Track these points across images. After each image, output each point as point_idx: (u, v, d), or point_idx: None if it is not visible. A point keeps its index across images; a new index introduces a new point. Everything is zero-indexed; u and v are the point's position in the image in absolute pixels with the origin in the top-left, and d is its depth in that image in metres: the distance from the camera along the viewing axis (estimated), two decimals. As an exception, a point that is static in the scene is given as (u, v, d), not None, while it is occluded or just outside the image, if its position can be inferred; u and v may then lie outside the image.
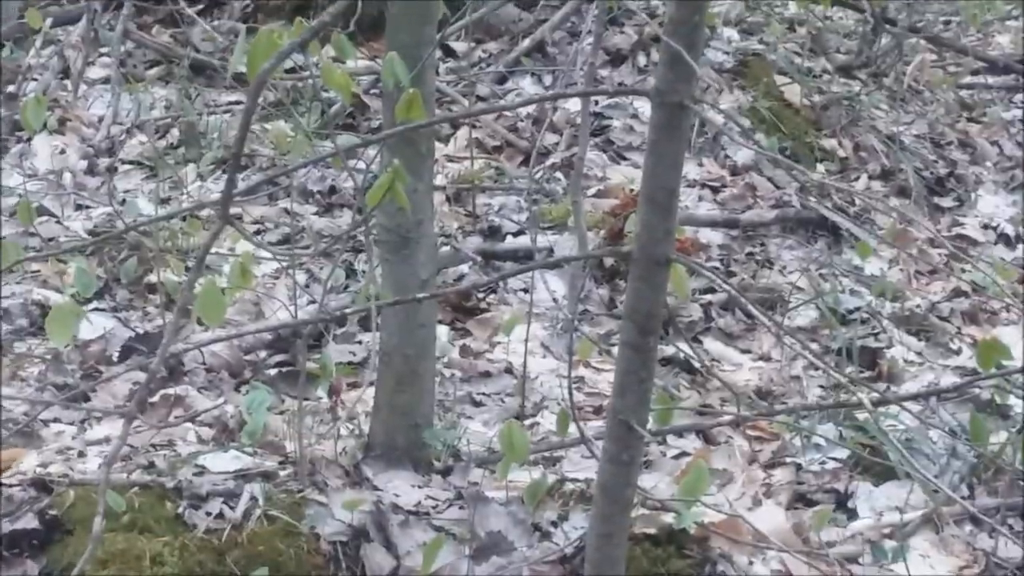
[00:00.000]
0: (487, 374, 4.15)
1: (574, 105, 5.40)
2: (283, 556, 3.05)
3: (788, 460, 3.76)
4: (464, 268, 4.70)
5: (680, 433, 3.81)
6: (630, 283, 2.31)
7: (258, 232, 4.86)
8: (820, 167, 5.59)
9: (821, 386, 4.26)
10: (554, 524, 3.30)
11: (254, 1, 6.45)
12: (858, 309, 4.64)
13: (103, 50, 6.16)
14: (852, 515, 3.54)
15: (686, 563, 3.24)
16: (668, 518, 3.32)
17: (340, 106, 5.42)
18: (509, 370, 4.15)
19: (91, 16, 6.19)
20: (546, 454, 3.68)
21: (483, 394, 4.03)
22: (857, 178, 5.68)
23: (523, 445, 3.09)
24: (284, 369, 4.10)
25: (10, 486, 3.34)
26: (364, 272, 4.48)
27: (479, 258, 4.67)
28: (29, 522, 3.17)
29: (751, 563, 3.27)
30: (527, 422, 3.85)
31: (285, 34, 2.71)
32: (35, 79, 6.09)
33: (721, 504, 3.42)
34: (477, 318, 4.48)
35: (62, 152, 5.53)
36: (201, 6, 6.55)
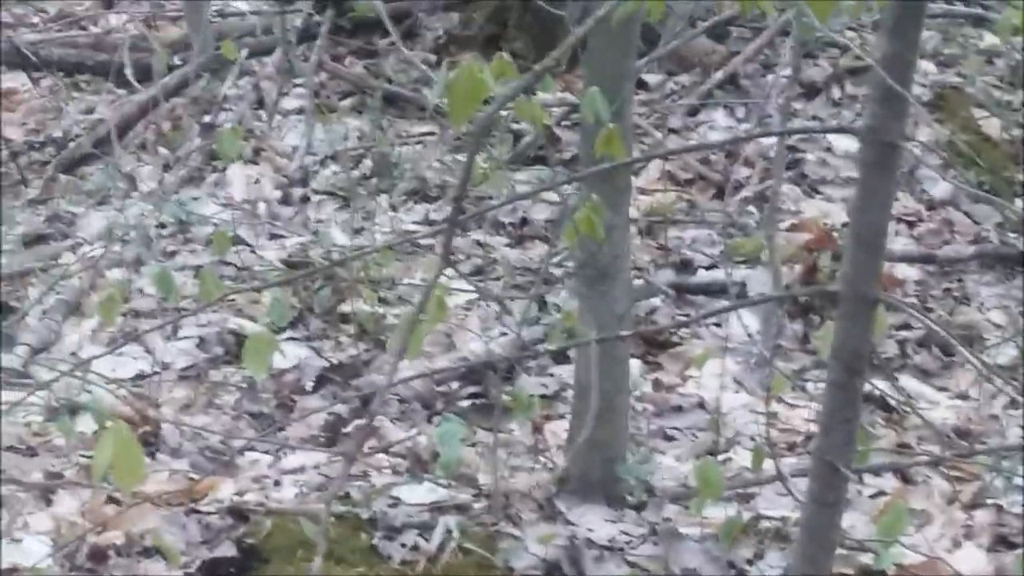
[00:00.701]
0: (679, 408, 4.12)
1: (768, 138, 5.37)
2: (477, 588, 3.07)
3: (989, 502, 3.69)
4: (656, 301, 4.68)
5: (877, 472, 3.76)
6: (837, 322, 2.29)
7: (454, 262, 4.89)
8: (1019, 202, 5.51)
9: (1021, 426, 4.19)
10: (749, 562, 3.28)
11: (447, 32, 6.51)
12: (1060, 347, 4.57)
13: (297, 81, 6.23)
14: (1055, 559, 3.47)
15: (885, 604, 3.21)
16: (866, 558, 3.29)
17: (532, 138, 5.45)
18: (701, 404, 4.12)
19: (286, 48, 6.28)
20: (740, 491, 3.65)
21: (675, 428, 4.01)
22: (1057, 213, 5.59)
23: (718, 481, 3.08)
24: (476, 401, 4.12)
25: (208, 514, 3.41)
26: (556, 305, 4.49)
27: (671, 292, 4.65)
28: (227, 550, 3.22)
29: (951, 606, 3.23)
30: (720, 457, 3.82)
31: (486, 69, 2.73)
32: (230, 109, 6.20)
33: (920, 545, 3.38)
34: (669, 352, 4.46)
35: (257, 182, 5.59)
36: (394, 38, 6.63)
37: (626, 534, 3.32)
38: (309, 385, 4.18)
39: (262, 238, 5.15)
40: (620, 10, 2.67)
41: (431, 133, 5.81)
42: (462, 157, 5.50)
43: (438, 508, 3.30)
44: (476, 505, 3.35)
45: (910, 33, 2.18)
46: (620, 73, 3.26)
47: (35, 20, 8.68)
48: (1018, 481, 3.66)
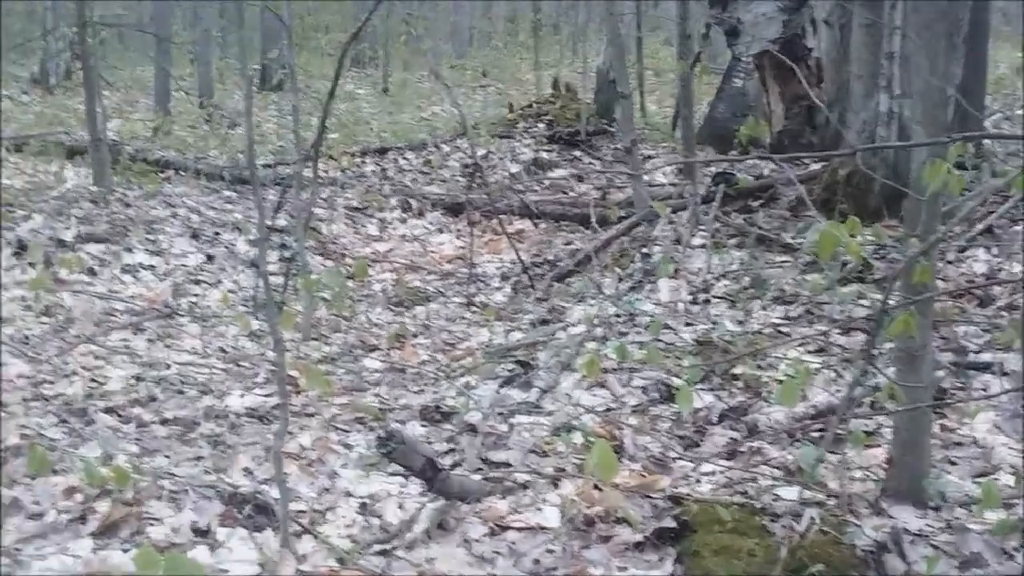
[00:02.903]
0: (959, 444, 3.91)
1: (1016, 266, 5.08)
2: (832, 558, 2.96)
3: None
4: (941, 373, 4.47)
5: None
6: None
7: (801, 343, 4.80)
8: None
9: None
10: (1016, 550, 3.07)
11: (796, 198, 6.42)
12: None
13: (701, 227, 6.25)
14: None
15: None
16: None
17: (853, 264, 5.31)
18: (975, 442, 3.89)
19: (695, 206, 6.31)
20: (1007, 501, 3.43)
21: (957, 457, 3.80)
22: None
23: (996, 496, 2.92)
24: (822, 433, 4.00)
25: (655, 498, 3.40)
26: (876, 374, 4.34)
27: (952, 367, 4.43)
28: (668, 522, 3.20)
29: None
30: (991, 477, 3.61)
31: (843, 228, 2.68)
32: (659, 245, 6.25)
33: None
34: (952, 407, 4.24)
35: (676, 290, 5.63)
36: (762, 200, 6.59)
37: (930, 527, 3.16)
38: (714, 419, 4.15)
39: (680, 325, 5.16)
40: (933, 183, 2.59)
41: (786, 261, 5.72)
42: (809, 277, 5.41)
43: (804, 503, 3.21)
44: (829, 502, 3.25)
45: None
46: (930, 224, 3.14)
47: (536, 188, 8.96)
48: None
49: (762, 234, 6.05)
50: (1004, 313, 4.98)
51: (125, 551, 3.15)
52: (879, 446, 3.78)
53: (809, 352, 4.69)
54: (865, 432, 3.95)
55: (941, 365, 4.37)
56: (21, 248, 6.33)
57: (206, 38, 15.69)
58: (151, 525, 3.29)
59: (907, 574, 2.98)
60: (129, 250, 6.69)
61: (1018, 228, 5.64)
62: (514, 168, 9.80)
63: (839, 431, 3.59)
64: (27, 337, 5.19)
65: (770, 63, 9.00)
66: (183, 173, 9.13)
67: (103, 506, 3.39)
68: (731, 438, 3.94)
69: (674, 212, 6.49)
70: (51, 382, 4.65)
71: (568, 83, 12.11)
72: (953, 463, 3.80)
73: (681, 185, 7.42)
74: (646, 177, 7.71)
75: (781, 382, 4.19)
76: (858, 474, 3.50)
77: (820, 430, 4.05)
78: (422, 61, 18.62)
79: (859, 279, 5.37)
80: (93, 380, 4.69)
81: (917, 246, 2.72)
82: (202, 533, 3.29)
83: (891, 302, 3.40)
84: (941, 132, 3.10)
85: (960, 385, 4.29)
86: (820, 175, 6.42)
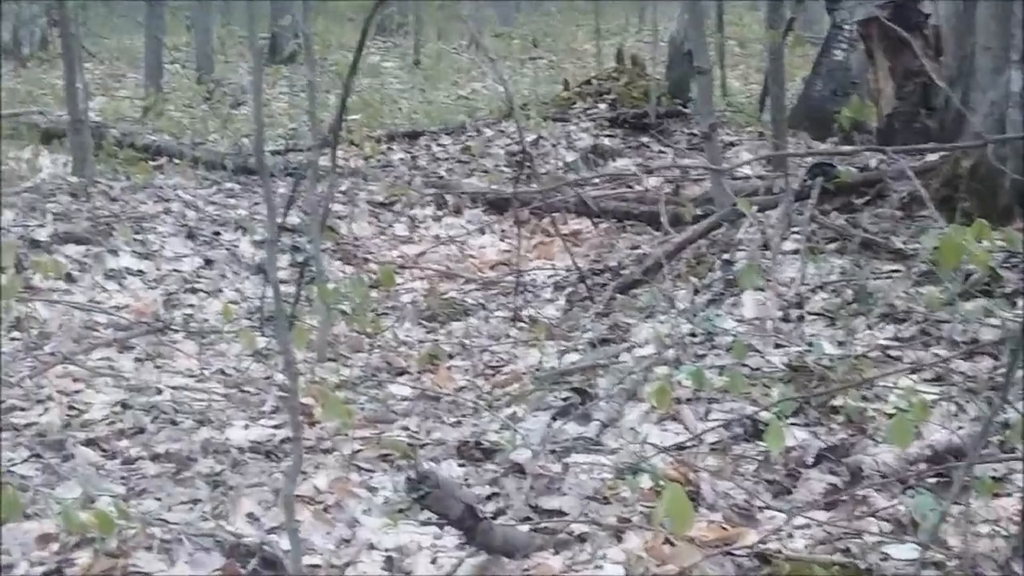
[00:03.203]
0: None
1: None
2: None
3: None
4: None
5: None
6: None
7: (915, 370, 4.75)
8: None
9: None
10: None
11: (909, 194, 6.36)
12: None
13: (794, 229, 6.21)
14: None
15: None
16: None
17: (979, 275, 5.25)
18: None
19: (787, 204, 6.27)
20: None
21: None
22: None
23: None
24: (940, 479, 3.96)
25: (739, 556, 3.38)
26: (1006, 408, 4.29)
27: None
28: (760, 584, 3.19)
29: None
30: None
31: (968, 233, 2.66)
32: (743, 250, 6.23)
33: None
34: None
35: (763, 304, 5.59)
36: (868, 197, 6.54)
37: (1072, 594, 3.13)
38: (810, 460, 4.11)
39: (769, 347, 5.12)
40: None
41: (897, 270, 5.67)
42: (925, 290, 5.35)
43: (920, 563, 3.18)
44: (949, 563, 3.22)
45: None
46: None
47: (596, 181, 8.96)
48: None
49: (867, 238, 5.99)
50: None
51: (108, 611, 3.19)
52: (1009, 495, 3.74)
53: (925, 381, 4.64)
54: (993, 478, 3.92)
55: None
56: (-13, 250, 6.42)
57: (205, 2, 15.85)
58: (139, 581, 3.32)
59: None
60: (114, 252, 6.77)
61: None
62: (570, 157, 9.82)
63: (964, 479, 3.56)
64: (-6, 355, 5.26)
65: (878, 32, 8.94)
66: (178, 161, 9.23)
67: (83, 557, 3.42)
68: (830, 484, 3.91)
69: (761, 211, 6.46)
70: (23, 409, 4.71)
71: (635, 55, 12.11)
72: (1100, 517, 3.76)
73: (770, 178, 7.39)
74: (728, 168, 7.68)
75: (891, 416, 4.16)
76: (984, 529, 3.46)
77: (939, 476, 4.01)
78: (460, 29, 18.67)
79: (986, 293, 5.31)
80: (72, 407, 4.74)
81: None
82: (199, 591, 3.32)
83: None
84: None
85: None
86: (939, 167, 6.36)
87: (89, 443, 4.42)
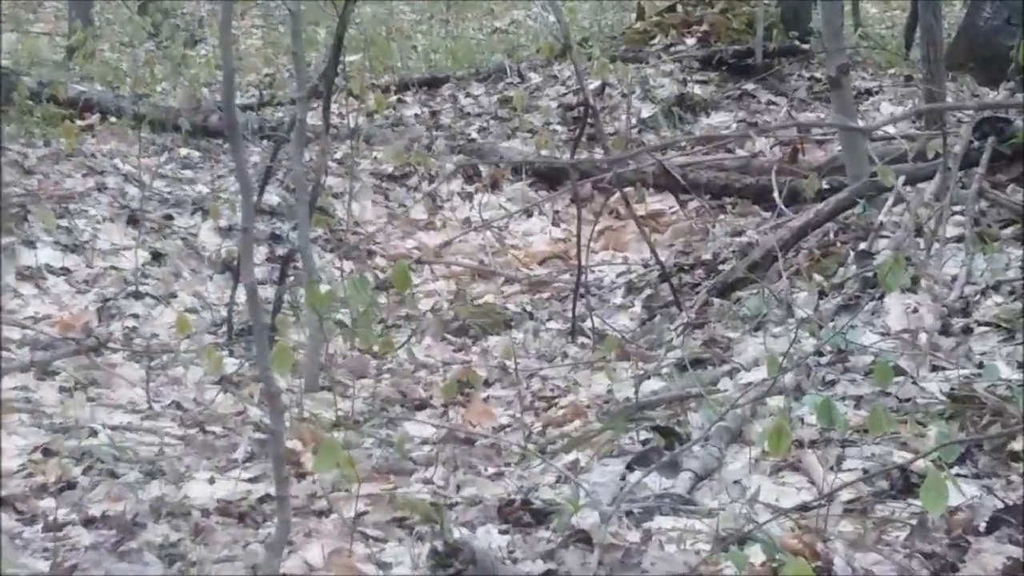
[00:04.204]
0: None
1: None
2: None
3: None
4: None
5: None
6: None
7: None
8: None
9: None
10: None
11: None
12: None
13: (956, 208, 6.18)
14: None
15: None
16: None
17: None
18: None
19: (945, 174, 6.25)
20: None
21: None
22: None
23: None
24: None
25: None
26: None
27: None
28: None
29: None
30: None
31: None
32: (887, 236, 6.20)
33: None
34: None
35: (915, 311, 5.56)
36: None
37: None
38: (982, 526, 4.08)
39: (923, 369, 5.09)
40: None
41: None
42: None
43: None
44: None
45: None
46: None
47: (683, 144, 8.95)
48: None
49: (1059, 220, 5.98)
50: None
51: None
52: None
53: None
54: None
55: None
56: None
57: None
58: None
59: None
60: (30, 244, 6.81)
61: None
62: (647, 112, 9.82)
63: None
64: None
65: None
66: (115, 120, 9.26)
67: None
68: (1010, 557, 3.89)
69: (911, 183, 6.43)
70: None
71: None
72: None
73: (923, 139, 7.35)
74: (865, 128, 7.65)
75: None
76: None
77: None
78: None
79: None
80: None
81: None
82: None
83: None
84: None
85: None
86: None
87: (0, 504, 4.44)
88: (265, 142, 8.15)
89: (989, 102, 8.67)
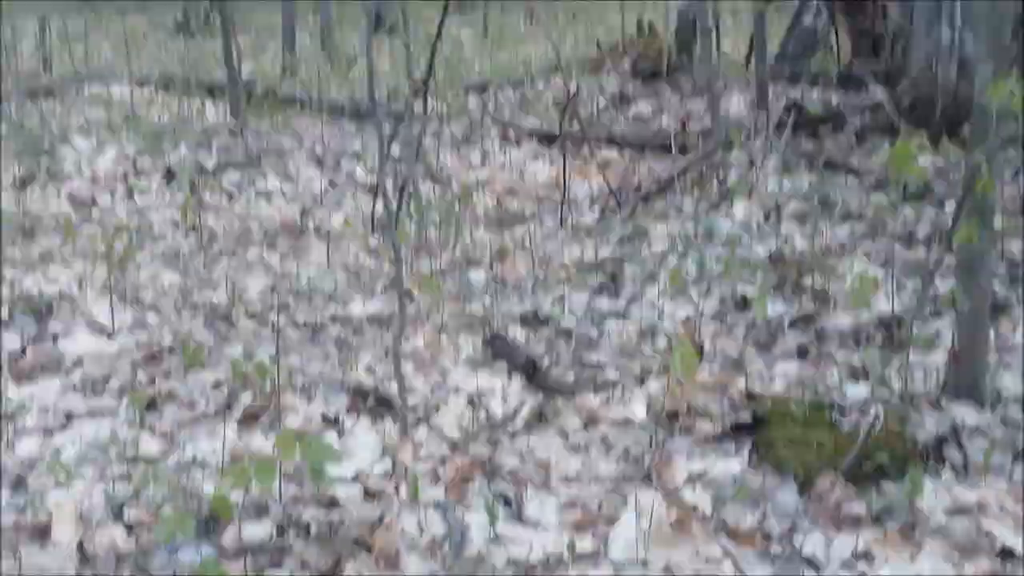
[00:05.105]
0: (1012, 348, 3.75)
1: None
2: (896, 448, 2.86)
3: None
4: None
5: None
6: None
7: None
8: None
9: None
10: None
11: (861, 125, 6.21)
12: None
13: (773, 152, 6.08)
14: None
15: None
16: None
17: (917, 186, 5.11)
18: (1027, 347, 3.76)
19: (767, 133, 6.14)
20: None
21: (1011, 360, 3.64)
22: None
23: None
24: (886, 337, 3.88)
25: (732, 395, 3.35)
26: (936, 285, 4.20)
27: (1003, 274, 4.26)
28: (744, 417, 3.13)
29: None
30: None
31: (912, 145, 2.55)
32: (734, 169, 6.11)
33: None
34: (1006, 315, 4.08)
35: (750, 209, 5.49)
36: (830, 127, 6.39)
37: (986, 422, 3.08)
38: (786, 325, 4.04)
39: (755, 241, 5.04)
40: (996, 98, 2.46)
41: (854, 181, 5.55)
42: (873, 197, 5.23)
43: (871, 399, 3.13)
44: (892, 400, 3.18)
45: None
46: (991, 140, 2.98)
47: (621, 120, 8.77)
48: None
49: (830, 159, 5.87)
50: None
51: (265, 436, 3.23)
52: (939, 350, 3.68)
53: (873, 265, 4.57)
54: (926, 337, 3.86)
55: (997, 275, 4.22)
56: (170, 174, 6.47)
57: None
58: (287, 414, 3.36)
59: (965, 464, 2.91)
60: (263, 176, 6.77)
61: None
62: (602, 102, 9.63)
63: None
64: (177, 252, 5.30)
65: (839, 2, 8.67)
66: (308, 108, 9.15)
67: (246, 397, 3.47)
68: (801, 342, 3.87)
69: (748, 139, 6.33)
70: (200, 290, 4.75)
71: (651, 23, 11.80)
72: (1007, 365, 3.70)
73: (755, 115, 7.21)
74: (722, 109, 7.50)
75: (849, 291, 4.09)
76: (920, 375, 3.41)
77: (885, 335, 3.96)
78: (526, 6, 18.30)
79: (920, 198, 5.21)
80: (235, 289, 4.77)
81: (981, 159, 2.60)
82: (331, 422, 3.35)
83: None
84: (1005, 65, 2.95)
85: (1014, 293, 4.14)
86: (882, 105, 6.20)
87: (249, 316, 4.45)
88: (391, 120, 8.01)
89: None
